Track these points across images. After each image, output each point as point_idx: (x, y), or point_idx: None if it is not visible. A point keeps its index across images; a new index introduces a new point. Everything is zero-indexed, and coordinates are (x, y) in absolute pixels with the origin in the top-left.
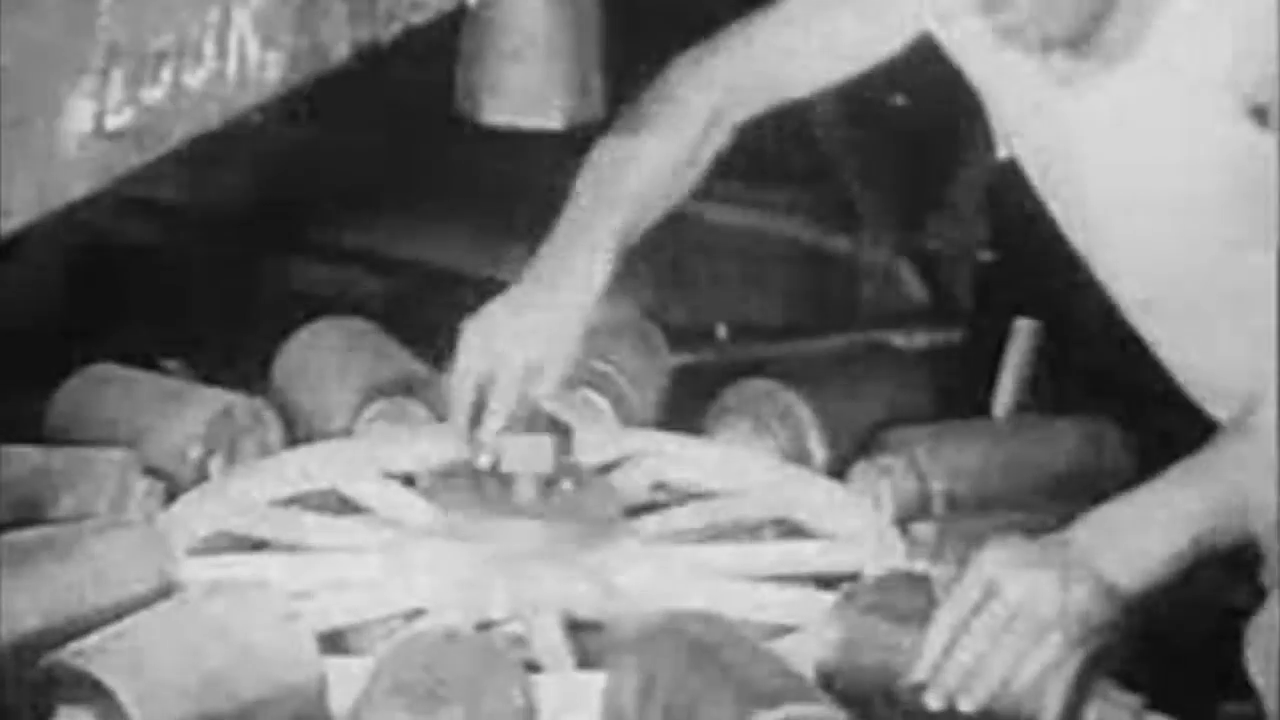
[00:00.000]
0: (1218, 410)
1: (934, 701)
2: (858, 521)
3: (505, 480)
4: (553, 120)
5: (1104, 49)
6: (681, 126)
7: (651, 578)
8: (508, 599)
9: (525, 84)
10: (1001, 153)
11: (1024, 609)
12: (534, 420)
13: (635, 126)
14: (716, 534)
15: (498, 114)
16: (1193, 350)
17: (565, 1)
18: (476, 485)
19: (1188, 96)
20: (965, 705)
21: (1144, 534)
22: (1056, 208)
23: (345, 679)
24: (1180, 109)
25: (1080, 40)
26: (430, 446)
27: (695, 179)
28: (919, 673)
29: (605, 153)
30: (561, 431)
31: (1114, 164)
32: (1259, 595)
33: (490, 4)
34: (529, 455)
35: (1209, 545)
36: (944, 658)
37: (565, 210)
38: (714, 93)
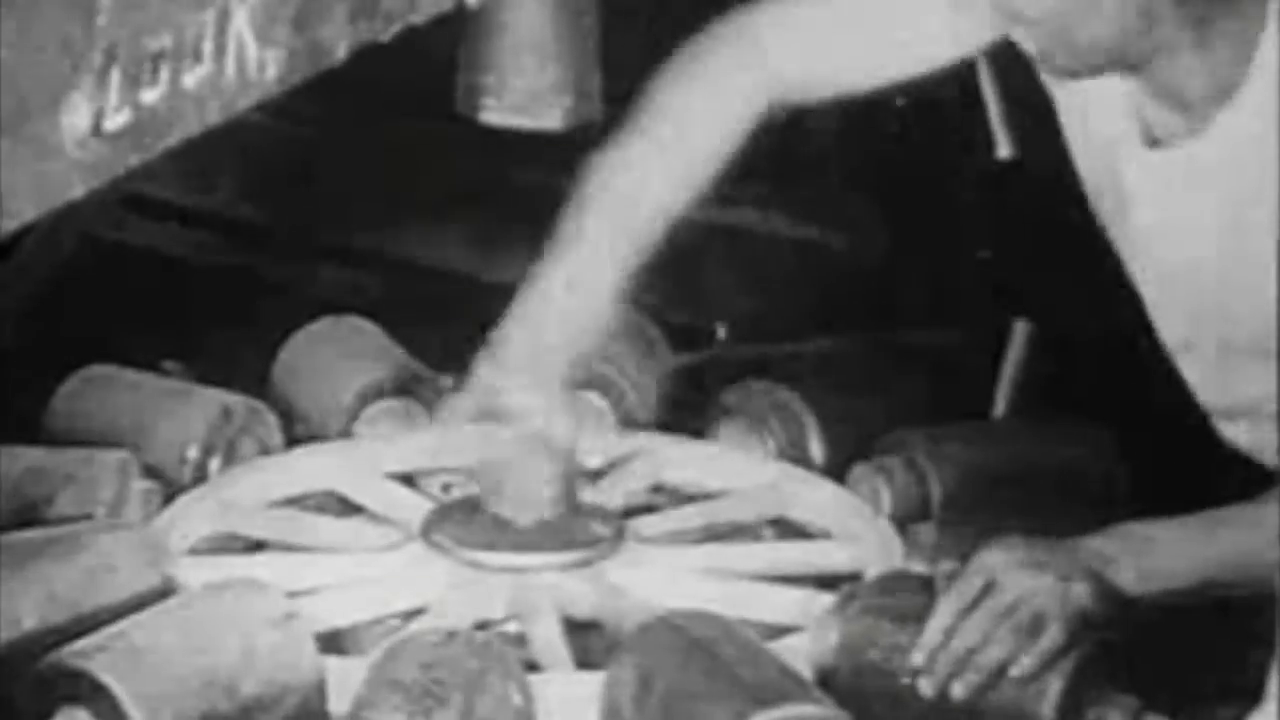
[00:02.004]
0: (1256, 453)
1: (927, 688)
2: (857, 522)
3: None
4: (552, 120)
5: (1195, 107)
6: (716, 117)
7: (650, 578)
8: (506, 598)
9: (524, 84)
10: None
11: (1022, 601)
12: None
13: (659, 118)
14: (716, 534)
15: (498, 114)
16: (1229, 393)
17: (564, 2)
18: (474, 521)
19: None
20: (958, 692)
21: (1163, 558)
22: (1110, 229)
23: (344, 679)
24: (1259, 170)
25: (1094, 72)
26: (430, 446)
27: (727, 159)
28: (915, 659)
29: (625, 155)
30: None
31: (1187, 218)
32: (1256, 595)
33: (490, 5)
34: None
35: (1223, 588)
36: (941, 645)
37: (576, 212)
38: (760, 74)
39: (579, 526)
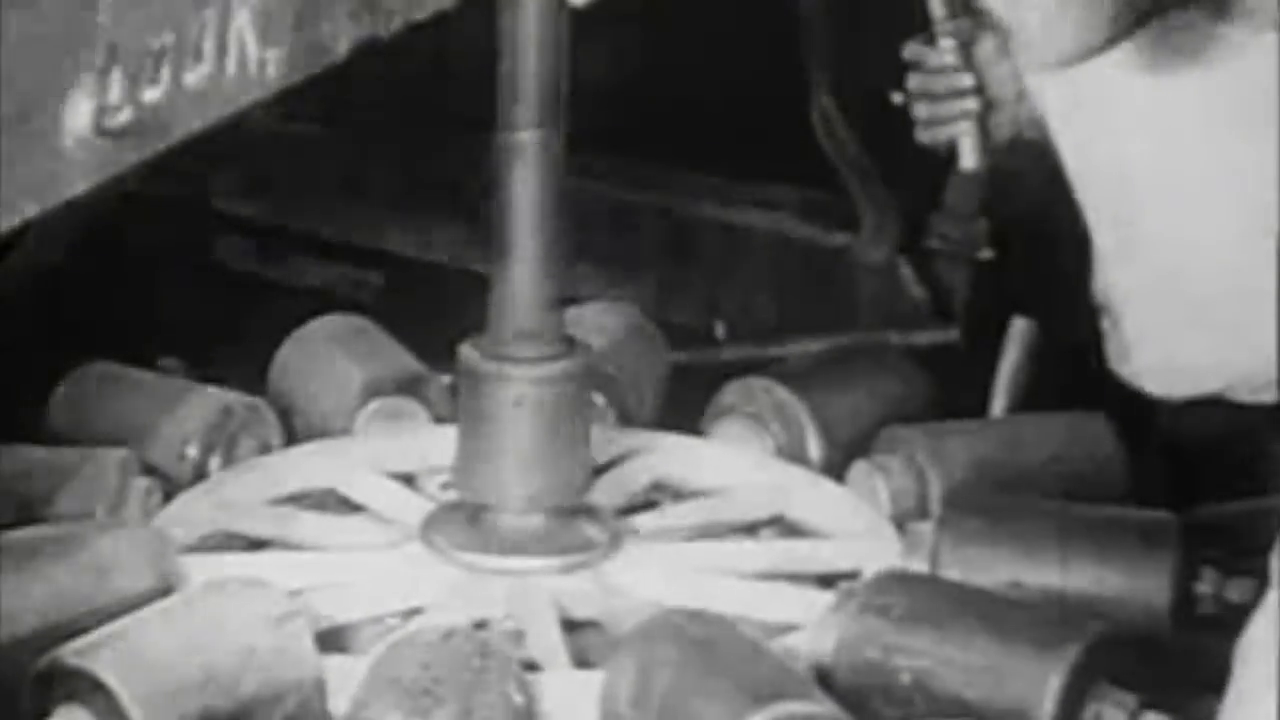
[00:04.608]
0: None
1: None
2: (856, 520)
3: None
4: None
5: None
6: None
7: (649, 576)
8: (505, 597)
9: None
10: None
11: None
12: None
13: None
14: (714, 533)
15: None
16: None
17: None
18: (474, 522)
19: None
20: None
21: None
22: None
23: (343, 678)
24: None
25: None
26: (429, 446)
27: None
28: None
29: None
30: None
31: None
32: (1254, 591)
33: None
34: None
35: None
36: None
37: None
38: None
39: (578, 527)
